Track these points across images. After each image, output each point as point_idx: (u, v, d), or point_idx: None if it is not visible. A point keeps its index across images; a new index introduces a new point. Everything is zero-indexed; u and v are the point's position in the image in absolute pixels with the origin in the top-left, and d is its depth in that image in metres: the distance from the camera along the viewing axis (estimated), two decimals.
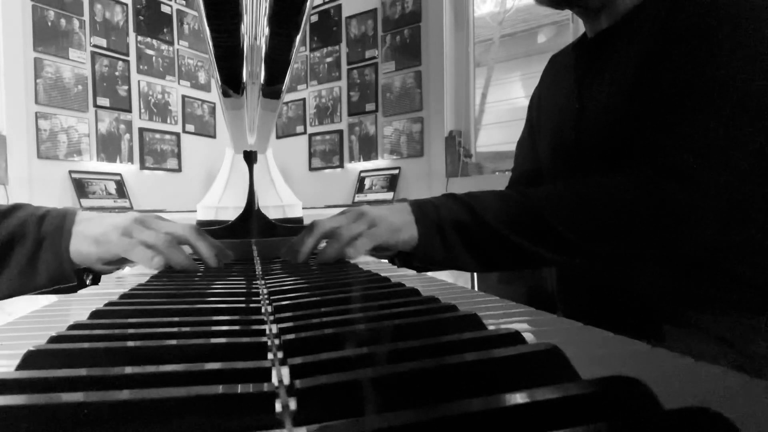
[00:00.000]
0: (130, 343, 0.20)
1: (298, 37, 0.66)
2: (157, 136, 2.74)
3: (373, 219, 0.52)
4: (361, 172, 2.71)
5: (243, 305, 0.29)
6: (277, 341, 0.21)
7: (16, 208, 0.49)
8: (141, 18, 2.67)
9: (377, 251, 0.57)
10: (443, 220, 0.53)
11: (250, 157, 1.03)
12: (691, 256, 0.53)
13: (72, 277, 0.48)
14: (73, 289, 0.48)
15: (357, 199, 2.63)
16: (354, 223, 0.52)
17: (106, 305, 0.30)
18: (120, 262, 0.52)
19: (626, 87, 0.56)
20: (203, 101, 3.02)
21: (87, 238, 0.47)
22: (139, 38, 2.66)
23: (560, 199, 0.52)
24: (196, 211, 1.19)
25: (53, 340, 0.21)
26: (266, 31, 0.61)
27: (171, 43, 2.83)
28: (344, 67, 2.80)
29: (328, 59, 2.87)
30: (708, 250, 0.52)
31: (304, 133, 3.00)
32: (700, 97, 0.49)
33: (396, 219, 0.53)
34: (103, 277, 0.55)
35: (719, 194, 0.48)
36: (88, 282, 0.53)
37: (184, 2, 2.89)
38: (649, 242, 0.50)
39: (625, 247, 0.51)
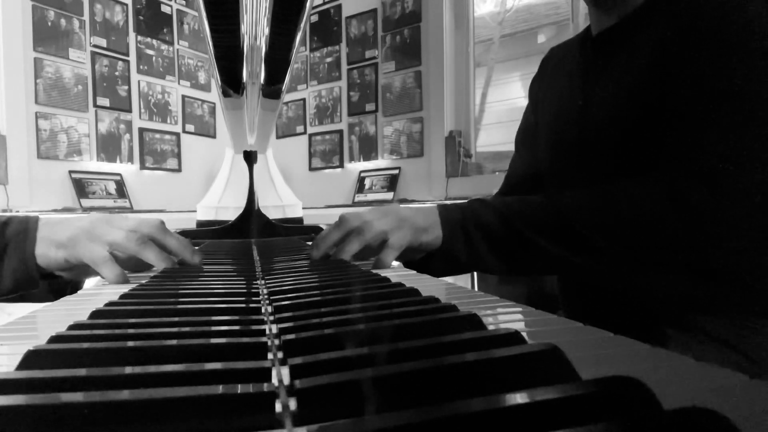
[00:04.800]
0: (130, 343, 0.20)
1: (298, 37, 0.66)
2: (157, 136, 2.74)
3: (399, 218, 0.52)
4: (361, 172, 2.71)
5: (243, 305, 0.29)
6: (277, 341, 0.21)
7: None
8: (141, 18, 2.67)
9: (402, 254, 0.57)
10: (467, 221, 0.53)
11: (250, 157, 1.03)
12: (701, 261, 0.52)
13: (37, 282, 0.47)
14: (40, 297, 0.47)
15: (357, 199, 2.63)
16: (380, 220, 0.52)
17: (106, 305, 0.30)
18: (85, 272, 0.51)
19: (637, 86, 0.55)
20: (203, 101, 3.02)
21: (53, 242, 0.47)
22: (139, 38, 2.66)
23: (588, 203, 0.51)
24: (196, 211, 1.19)
25: (53, 340, 0.21)
26: (266, 31, 0.61)
27: (171, 43, 2.84)
28: (344, 67, 2.80)
29: (328, 59, 2.87)
30: (720, 255, 0.51)
31: (304, 133, 3.00)
32: (727, 102, 0.48)
33: (421, 220, 0.53)
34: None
35: (747, 201, 0.47)
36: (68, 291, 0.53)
37: (184, 2, 2.89)
38: (677, 249, 0.49)
39: (653, 253, 0.50)
